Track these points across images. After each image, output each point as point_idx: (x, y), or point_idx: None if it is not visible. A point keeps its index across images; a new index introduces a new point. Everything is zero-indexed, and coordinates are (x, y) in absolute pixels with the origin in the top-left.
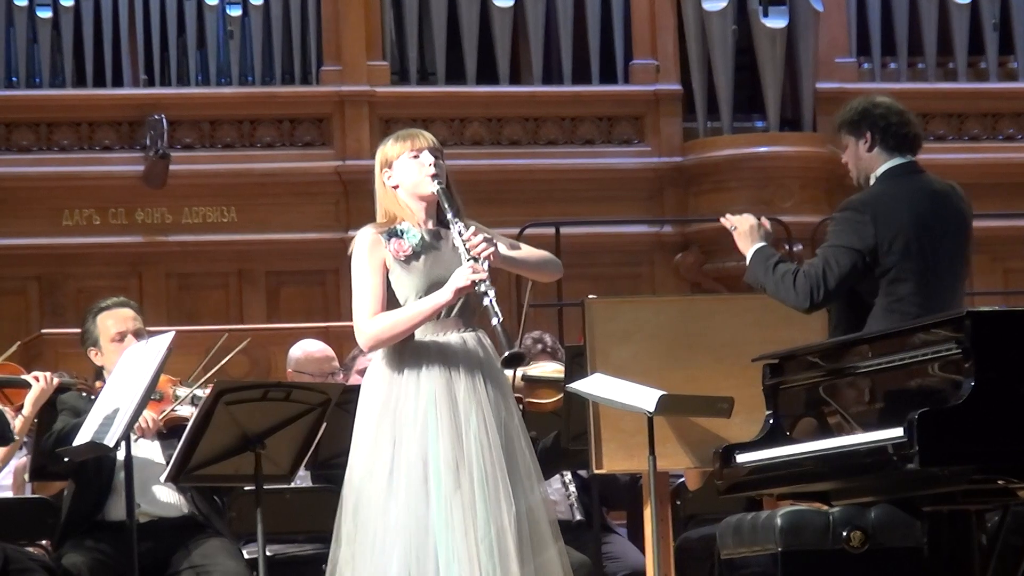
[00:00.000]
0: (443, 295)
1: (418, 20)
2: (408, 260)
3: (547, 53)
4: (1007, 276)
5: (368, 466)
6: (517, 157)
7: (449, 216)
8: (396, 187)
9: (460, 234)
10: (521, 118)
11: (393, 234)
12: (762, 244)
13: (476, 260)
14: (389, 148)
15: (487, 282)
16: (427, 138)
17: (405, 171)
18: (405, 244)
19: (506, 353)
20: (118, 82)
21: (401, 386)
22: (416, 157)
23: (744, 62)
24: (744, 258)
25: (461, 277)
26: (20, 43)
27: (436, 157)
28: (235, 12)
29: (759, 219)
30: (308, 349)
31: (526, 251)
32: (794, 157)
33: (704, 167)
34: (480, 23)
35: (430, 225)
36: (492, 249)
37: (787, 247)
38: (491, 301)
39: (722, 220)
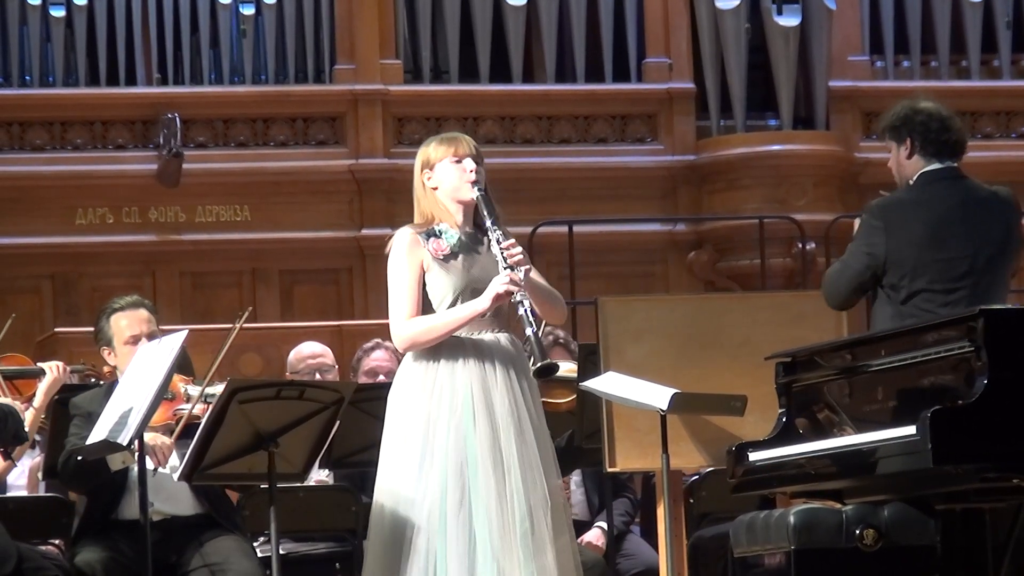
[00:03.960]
0: (481, 303)
1: (431, 19)
2: (447, 259)
3: (560, 52)
4: (1021, 274)
5: (400, 460)
6: (530, 156)
7: (488, 223)
8: (435, 189)
9: (498, 242)
10: (534, 116)
11: (432, 234)
12: None
13: (513, 269)
14: (431, 151)
15: (523, 291)
16: (469, 144)
17: (446, 175)
18: (444, 244)
19: (539, 364)
20: (131, 81)
21: (436, 380)
22: (458, 162)
23: (757, 60)
24: (757, 257)
25: (498, 286)
26: (34, 42)
27: (477, 163)
28: (248, 11)
29: None
30: (298, 349)
31: (542, 281)
32: (807, 155)
33: (717, 165)
34: (493, 22)
35: (467, 229)
36: (528, 263)
37: (800, 245)
38: (526, 311)
39: None
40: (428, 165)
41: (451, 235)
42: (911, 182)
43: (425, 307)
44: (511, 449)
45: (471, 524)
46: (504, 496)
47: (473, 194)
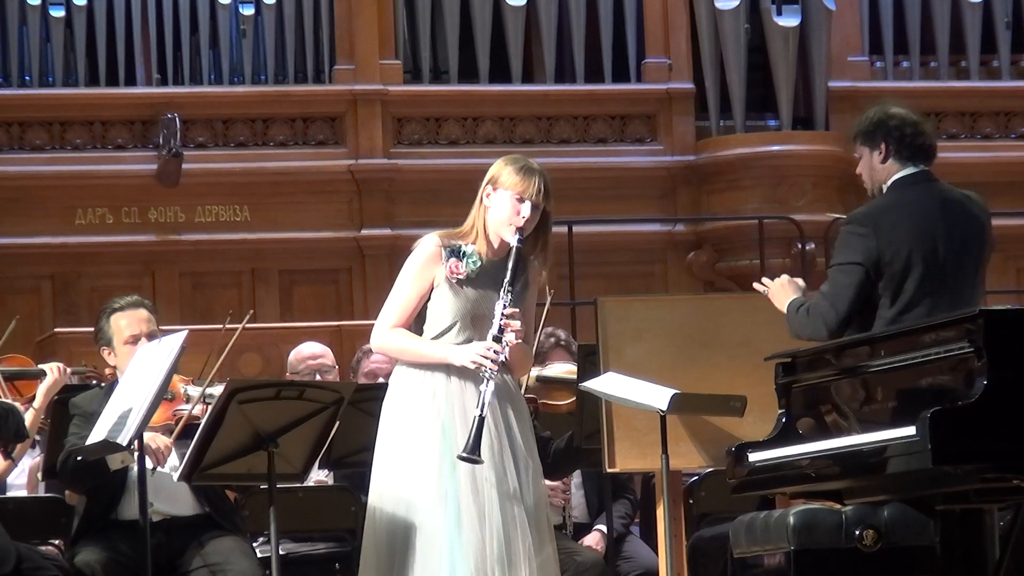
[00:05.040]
0: (454, 357)
1: (431, 19)
2: (459, 283)
3: (560, 52)
4: (1020, 275)
5: (392, 465)
6: (530, 156)
7: (506, 280)
8: (488, 208)
9: (504, 306)
10: (534, 117)
11: (455, 252)
12: (793, 297)
13: (500, 341)
14: (506, 175)
15: (495, 372)
16: (538, 187)
17: (502, 205)
18: (462, 267)
19: (462, 453)
20: (131, 81)
21: (424, 388)
22: (520, 201)
23: (756, 61)
24: (756, 257)
25: (476, 355)
26: (33, 42)
27: (535, 209)
28: (248, 11)
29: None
30: (298, 349)
31: (527, 348)
32: (807, 156)
33: (717, 166)
34: (493, 22)
35: (495, 259)
36: (518, 341)
37: (799, 245)
38: (485, 393)
39: (756, 286)
40: (494, 184)
41: (473, 260)
42: (885, 187)
43: (420, 318)
44: (490, 473)
45: (450, 538)
46: (482, 514)
47: (512, 240)
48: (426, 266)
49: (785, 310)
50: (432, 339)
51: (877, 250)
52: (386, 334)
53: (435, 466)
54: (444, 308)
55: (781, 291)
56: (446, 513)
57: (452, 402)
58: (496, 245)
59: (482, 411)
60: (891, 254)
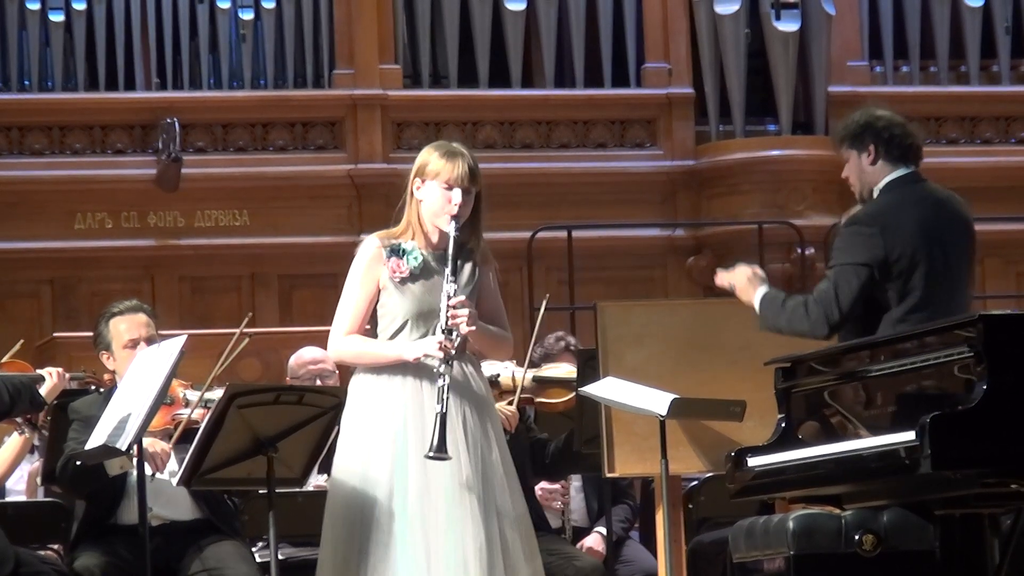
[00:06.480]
0: (408, 352)
1: (430, 23)
2: (403, 282)
3: (559, 57)
4: (1020, 279)
5: (349, 478)
6: (530, 161)
7: (447, 270)
8: (421, 201)
9: (448, 296)
10: (534, 121)
11: (395, 251)
12: (765, 289)
13: (450, 334)
14: (431, 163)
15: (448, 365)
16: (464, 169)
17: (432, 196)
18: (404, 265)
19: (430, 453)
20: (131, 85)
21: (380, 398)
22: (448, 189)
23: (756, 65)
24: (756, 262)
25: (429, 348)
26: (33, 46)
27: (466, 194)
28: (247, 16)
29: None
30: (299, 354)
31: (496, 330)
32: (806, 160)
33: (717, 170)
34: (492, 26)
35: (438, 250)
36: (468, 328)
37: (799, 250)
38: (442, 387)
39: (717, 281)
40: (422, 175)
41: (415, 256)
42: (878, 188)
43: (372, 321)
44: (441, 489)
45: (403, 555)
46: (429, 538)
47: (448, 229)
48: (369, 269)
49: (757, 303)
50: (387, 340)
51: (884, 249)
52: (341, 342)
53: (387, 471)
54: (393, 309)
55: (749, 284)
56: (397, 520)
57: (408, 403)
58: (435, 238)
59: (442, 407)
60: (898, 253)
